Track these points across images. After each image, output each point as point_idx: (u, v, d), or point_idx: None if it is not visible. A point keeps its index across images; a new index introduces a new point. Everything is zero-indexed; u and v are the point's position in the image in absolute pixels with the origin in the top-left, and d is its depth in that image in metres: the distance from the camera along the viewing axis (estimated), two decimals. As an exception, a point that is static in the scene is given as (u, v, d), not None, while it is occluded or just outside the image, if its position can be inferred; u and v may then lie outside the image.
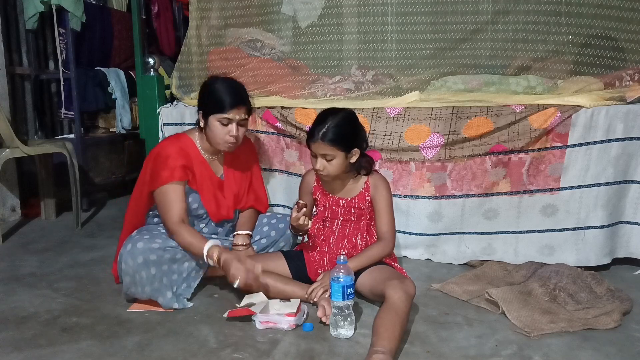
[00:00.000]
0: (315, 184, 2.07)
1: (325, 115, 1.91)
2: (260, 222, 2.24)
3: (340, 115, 1.90)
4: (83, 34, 3.55)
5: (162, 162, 1.98)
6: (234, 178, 2.15)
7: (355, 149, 1.91)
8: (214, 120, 1.97)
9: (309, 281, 1.98)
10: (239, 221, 2.20)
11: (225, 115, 1.95)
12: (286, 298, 1.88)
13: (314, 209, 2.09)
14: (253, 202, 2.22)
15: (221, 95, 1.96)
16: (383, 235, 1.96)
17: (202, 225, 2.13)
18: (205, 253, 1.84)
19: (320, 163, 1.90)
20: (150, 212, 2.14)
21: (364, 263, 1.90)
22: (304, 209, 1.90)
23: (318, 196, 2.05)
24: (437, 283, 2.12)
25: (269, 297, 1.86)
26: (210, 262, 1.85)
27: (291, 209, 2.52)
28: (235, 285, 1.77)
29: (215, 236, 2.14)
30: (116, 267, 2.14)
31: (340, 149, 1.87)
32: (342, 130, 1.87)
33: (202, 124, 2.02)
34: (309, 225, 1.94)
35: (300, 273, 2.03)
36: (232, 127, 1.96)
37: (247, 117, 2.02)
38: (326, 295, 1.82)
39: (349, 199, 1.99)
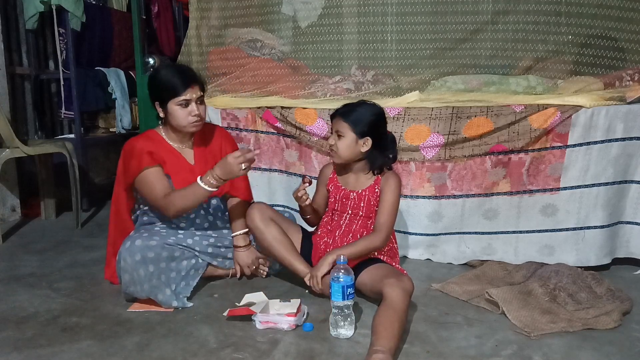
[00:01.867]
0: (331, 175, 2.10)
1: (356, 102, 2.02)
2: None
3: (368, 103, 2.00)
4: (83, 34, 3.55)
5: (129, 154, 2.04)
6: (205, 163, 2.16)
7: (368, 138, 1.94)
8: (173, 106, 2.00)
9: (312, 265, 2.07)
10: (231, 219, 2.19)
11: (182, 98, 1.99)
12: (288, 267, 2.02)
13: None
14: (229, 188, 2.20)
15: (172, 80, 2.00)
16: (378, 227, 1.95)
17: (192, 216, 2.14)
18: (201, 184, 1.90)
19: (333, 138, 1.98)
20: (138, 211, 2.16)
21: (351, 252, 1.88)
22: (307, 184, 2.00)
23: (331, 187, 2.08)
24: (437, 283, 2.12)
25: (275, 255, 2.02)
26: (213, 187, 1.90)
27: (293, 209, 2.53)
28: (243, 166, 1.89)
29: (210, 232, 2.15)
30: (108, 271, 2.16)
31: (351, 129, 1.93)
32: (360, 113, 1.95)
33: (162, 114, 2.06)
34: (307, 202, 2.03)
35: (306, 255, 2.08)
36: (192, 106, 2.01)
37: (202, 94, 2.07)
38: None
39: (359, 191, 2.01)
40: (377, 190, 1.99)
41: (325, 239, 2.06)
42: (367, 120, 1.94)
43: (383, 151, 1.99)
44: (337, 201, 2.05)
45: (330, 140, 2.00)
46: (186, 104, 2.00)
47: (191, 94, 2.00)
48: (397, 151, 2.08)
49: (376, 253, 1.98)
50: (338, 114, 1.98)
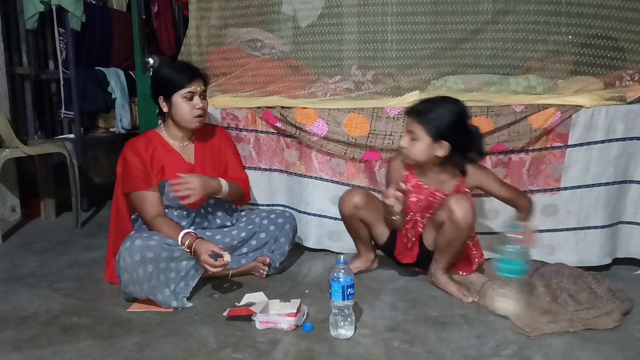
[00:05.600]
0: (407, 173, 2.00)
1: (435, 98, 1.90)
2: (259, 215, 2.25)
3: (447, 101, 1.86)
4: (83, 34, 3.54)
5: (127, 169, 2.06)
6: (206, 162, 2.18)
7: (445, 143, 1.82)
8: (178, 98, 2.04)
9: (392, 257, 2.14)
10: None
11: (188, 89, 2.04)
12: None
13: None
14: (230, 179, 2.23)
15: (177, 73, 2.06)
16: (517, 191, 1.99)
17: (193, 214, 2.15)
18: (179, 242, 1.92)
19: (406, 140, 1.88)
20: (134, 216, 2.18)
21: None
22: (399, 192, 1.82)
23: (410, 186, 1.98)
24: (437, 283, 2.12)
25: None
26: (186, 250, 1.92)
27: (293, 209, 2.52)
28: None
29: (210, 233, 2.15)
30: (109, 271, 2.16)
31: (426, 132, 1.82)
32: (437, 113, 1.82)
33: (165, 109, 2.09)
34: (399, 208, 1.84)
35: (389, 250, 2.12)
36: (197, 100, 2.06)
37: (205, 88, 2.12)
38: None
39: (447, 192, 1.96)
40: (466, 190, 1.98)
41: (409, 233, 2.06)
42: (445, 122, 1.80)
43: (464, 151, 1.88)
44: (423, 200, 1.98)
45: (401, 143, 1.89)
46: (191, 96, 2.05)
47: (196, 86, 2.05)
48: (483, 146, 1.92)
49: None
50: (413, 113, 1.84)
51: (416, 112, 1.84)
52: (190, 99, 2.05)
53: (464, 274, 2.11)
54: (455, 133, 1.83)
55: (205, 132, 2.22)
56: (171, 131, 2.15)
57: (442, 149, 1.84)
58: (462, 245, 1.94)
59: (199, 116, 2.08)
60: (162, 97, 2.08)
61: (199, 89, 2.07)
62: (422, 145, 1.84)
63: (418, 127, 1.83)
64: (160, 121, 2.24)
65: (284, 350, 1.59)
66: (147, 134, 2.17)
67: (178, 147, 2.15)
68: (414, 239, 2.08)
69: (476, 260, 2.10)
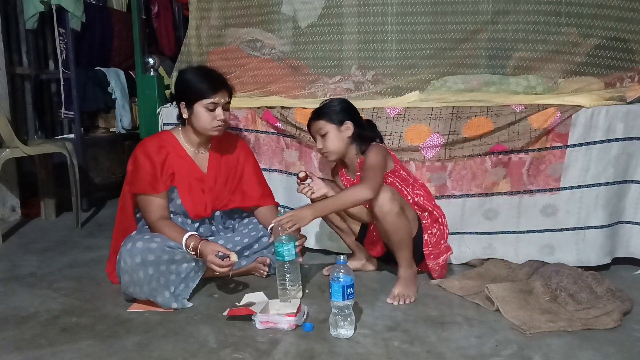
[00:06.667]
0: (339, 173, 2.23)
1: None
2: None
3: (331, 99, 2.17)
4: (83, 34, 3.55)
5: (136, 171, 2.03)
6: (218, 175, 2.15)
7: (347, 122, 2.06)
8: (199, 107, 2.01)
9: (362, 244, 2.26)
10: (261, 219, 2.22)
11: (211, 100, 1.99)
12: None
13: None
14: (239, 202, 2.20)
15: (203, 82, 2.01)
16: (361, 181, 1.94)
17: (196, 225, 2.14)
18: (183, 244, 1.90)
19: (319, 141, 2.09)
20: (139, 214, 2.17)
21: (334, 204, 1.91)
22: (303, 180, 2.04)
23: (344, 182, 2.21)
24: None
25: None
26: (191, 252, 1.90)
27: (292, 209, 2.52)
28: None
29: (213, 238, 2.15)
30: (110, 267, 2.16)
31: (329, 121, 2.06)
32: (327, 107, 2.09)
33: (185, 115, 2.05)
34: (315, 195, 2.02)
35: (362, 235, 2.23)
36: (219, 111, 2.02)
37: (229, 100, 2.07)
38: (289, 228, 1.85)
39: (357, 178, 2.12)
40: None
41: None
42: (337, 108, 2.07)
43: (365, 131, 2.11)
44: None
45: (317, 145, 2.10)
46: (214, 107, 2.00)
47: (220, 98, 2.01)
48: (379, 133, 2.21)
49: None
50: (311, 120, 2.10)
51: (313, 117, 2.09)
52: (213, 109, 2.00)
53: (435, 276, 2.16)
54: (350, 113, 2.09)
55: (223, 142, 2.18)
56: (189, 136, 2.11)
57: (348, 129, 2.06)
58: (406, 234, 1.95)
59: (219, 126, 2.03)
60: (183, 102, 2.04)
61: (222, 100, 2.01)
62: (332, 135, 2.05)
63: (322, 124, 2.06)
64: (161, 121, 2.22)
65: (284, 350, 1.59)
66: (161, 135, 2.14)
67: (192, 154, 2.12)
68: (374, 233, 2.14)
69: (431, 247, 2.09)
